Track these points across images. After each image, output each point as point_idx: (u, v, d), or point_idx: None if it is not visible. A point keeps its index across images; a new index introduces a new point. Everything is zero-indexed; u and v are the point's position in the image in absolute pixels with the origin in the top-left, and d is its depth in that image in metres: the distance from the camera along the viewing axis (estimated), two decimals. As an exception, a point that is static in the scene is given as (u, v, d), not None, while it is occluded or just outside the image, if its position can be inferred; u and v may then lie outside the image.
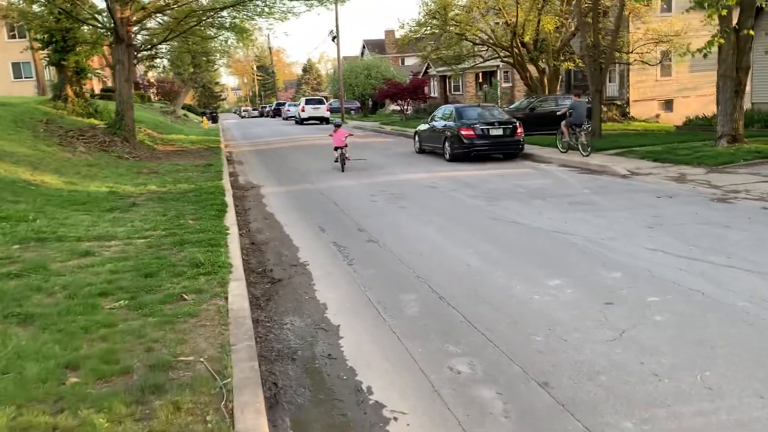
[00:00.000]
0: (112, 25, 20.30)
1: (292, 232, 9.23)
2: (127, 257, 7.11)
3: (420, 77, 41.54)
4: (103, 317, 5.17)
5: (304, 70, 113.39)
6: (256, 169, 18.02)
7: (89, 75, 31.77)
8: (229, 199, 11.44)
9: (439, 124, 17.79)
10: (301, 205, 11.51)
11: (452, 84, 52.50)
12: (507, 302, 5.55)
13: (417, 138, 19.39)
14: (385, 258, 7.39)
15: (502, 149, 16.29)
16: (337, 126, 16.53)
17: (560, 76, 28.00)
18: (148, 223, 9.06)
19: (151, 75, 70.36)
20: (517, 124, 16.24)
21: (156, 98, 67.45)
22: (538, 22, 25.09)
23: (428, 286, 6.18)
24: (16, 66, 43.31)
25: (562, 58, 27.18)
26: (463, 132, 15.93)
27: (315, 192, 12.90)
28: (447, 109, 18.03)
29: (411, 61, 74.91)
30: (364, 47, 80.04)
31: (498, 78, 45.81)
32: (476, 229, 8.53)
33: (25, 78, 43.15)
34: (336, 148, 15.99)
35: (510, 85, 47.48)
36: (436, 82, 52.69)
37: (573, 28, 26.71)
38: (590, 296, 5.57)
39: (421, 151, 19.05)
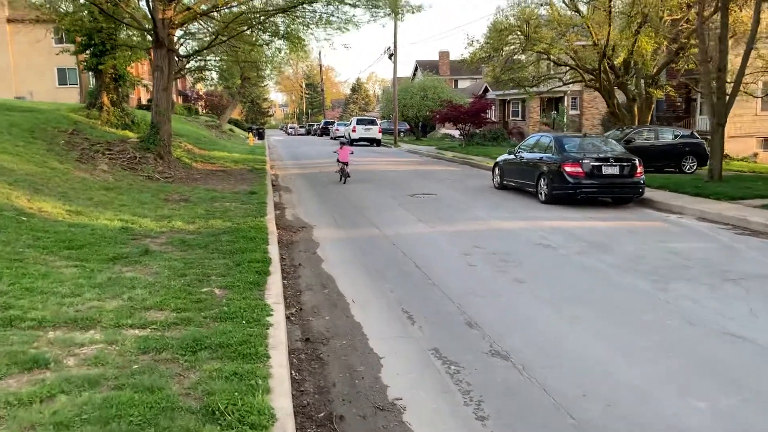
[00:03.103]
0: (152, 26, 17.81)
1: (364, 318, 6.15)
2: (99, 378, 4.14)
3: (482, 100, 38.39)
4: None
5: (353, 89, 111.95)
6: (306, 199, 15.11)
7: (134, 83, 29.81)
8: (273, 249, 8.45)
9: (529, 155, 14.59)
10: (370, 263, 8.44)
11: (511, 109, 49.33)
12: None
13: (497, 171, 16.19)
14: (540, 405, 4.21)
15: (617, 192, 12.95)
16: (342, 144, 19.48)
17: (652, 105, 24.50)
18: (156, 293, 6.12)
19: (200, 87, 69.21)
20: (637, 161, 12.90)
21: (204, 111, 66.12)
22: (634, 42, 21.72)
23: None
24: (61, 72, 41.95)
25: (656, 85, 23.74)
26: (567, 168, 12.69)
27: (384, 241, 9.83)
28: (542, 138, 14.77)
29: (464, 83, 72.07)
30: (416, 68, 77.74)
31: (565, 104, 42.42)
32: (673, 346, 5.20)
33: (70, 84, 41.63)
34: (339, 162, 18.20)
35: (578, 112, 44.04)
36: (495, 107, 49.53)
37: (673, 50, 23.27)
38: None
39: (503, 186, 15.85)
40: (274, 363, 4.55)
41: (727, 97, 16.07)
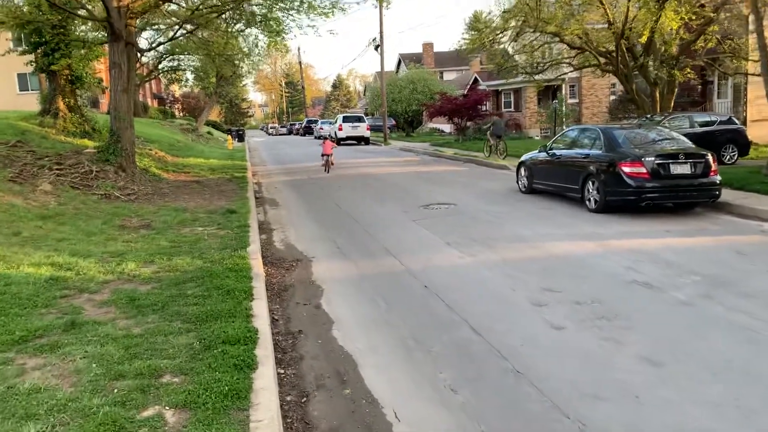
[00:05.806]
0: (106, 16, 15.00)
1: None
2: None
3: (479, 91, 35.84)
4: None
5: (334, 86, 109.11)
6: (297, 215, 12.43)
7: (101, 86, 26.92)
8: (260, 308, 5.78)
9: (568, 153, 12.00)
10: (403, 326, 5.77)
11: (503, 100, 46.82)
12: None
13: (524, 171, 13.59)
14: None
15: (688, 196, 10.33)
16: (325, 139, 21.89)
17: (675, 89, 22.03)
18: (62, 430, 3.49)
19: (176, 89, 65.89)
20: (710, 157, 10.37)
21: (180, 114, 63.00)
22: (657, 19, 19.21)
23: None
24: (22, 77, 38.75)
25: (680, 66, 21.26)
26: (625, 168, 10.11)
27: (411, 282, 7.20)
28: (584, 131, 12.11)
29: (450, 75, 69.43)
30: (399, 61, 75.15)
31: (563, 92, 39.95)
32: None
33: (32, 90, 38.33)
34: (323, 155, 20.27)
35: (576, 100, 41.65)
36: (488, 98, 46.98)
37: (694, 27, 20.81)
38: None
39: (532, 190, 13.27)
40: None
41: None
